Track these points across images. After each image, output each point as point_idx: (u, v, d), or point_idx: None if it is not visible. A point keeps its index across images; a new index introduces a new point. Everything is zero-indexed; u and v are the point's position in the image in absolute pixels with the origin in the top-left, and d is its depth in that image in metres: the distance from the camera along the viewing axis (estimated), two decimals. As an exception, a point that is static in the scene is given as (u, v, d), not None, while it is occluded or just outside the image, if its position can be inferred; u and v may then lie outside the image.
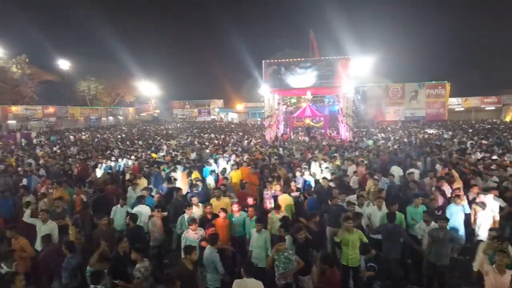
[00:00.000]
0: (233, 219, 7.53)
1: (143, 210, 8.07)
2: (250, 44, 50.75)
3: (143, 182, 10.62)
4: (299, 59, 25.70)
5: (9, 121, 37.31)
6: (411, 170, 10.95)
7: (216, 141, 23.54)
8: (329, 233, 7.65)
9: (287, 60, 25.86)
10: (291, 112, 33.52)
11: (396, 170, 11.34)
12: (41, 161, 16.14)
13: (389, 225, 6.73)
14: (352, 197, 8.60)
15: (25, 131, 33.88)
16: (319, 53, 31.96)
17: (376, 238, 7.00)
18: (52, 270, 6.11)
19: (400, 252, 6.75)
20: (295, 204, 8.68)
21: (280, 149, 17.60)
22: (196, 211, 7.94)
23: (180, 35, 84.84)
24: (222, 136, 27.49)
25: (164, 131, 37.64)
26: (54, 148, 21.82)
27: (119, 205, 8.33)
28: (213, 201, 8.43)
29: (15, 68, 41.23)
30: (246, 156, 14.86)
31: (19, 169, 13.70)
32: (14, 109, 39.26)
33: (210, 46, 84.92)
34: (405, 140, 21.00)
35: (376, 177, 10.01)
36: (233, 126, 43.42)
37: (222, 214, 7.28)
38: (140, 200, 8.44)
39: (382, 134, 25.08)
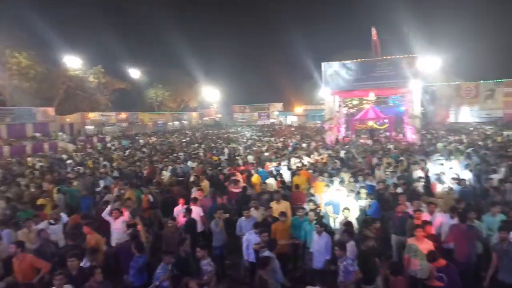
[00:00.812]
0: (295, 222, 7.48)
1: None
2: (309, 45, 50.25)
3: (206, 184, 11.00)
4: (360, 60, 24.91)
5: (87, 127, 41.03)
6: (491, 175, 10.03)
7: (275, 144, 23.62)
8: (395, 242, 7.27)
9: (348, 60, 25.19)
10: (352, 114, 32.56)
11: (466, 175, 10.47)
12: (114, 164, 17.48)
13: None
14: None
15: (101, 136, 37.00)
16: (382, 52, 30.71)
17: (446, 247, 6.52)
18: (122, 266, 6.51)
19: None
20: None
21: (342, 152, 17.15)
22: (256, 214, 8.01)
23: (241, 41, 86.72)
24: (281, 139, 27.50)
25: (225, 135, 38.65)
26: (126, 152, 23.48)
27: (180, 205, 8.73)
28: (273, 204, 8.44)
29: (92, 78, 45.18)
30: (306, 160, 14.71)
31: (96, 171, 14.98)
32: (91, 115, 43.20)
33: (270, 50, 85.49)
34: (480, 143, 19.28)
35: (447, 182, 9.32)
36: (292, 129, 43.25)
37: (282, 218, 7.26)
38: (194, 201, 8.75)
39: (454, 137, 23.28)
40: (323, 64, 24.92)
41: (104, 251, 6.94)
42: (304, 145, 22.07)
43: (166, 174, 13.54)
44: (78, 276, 5.29)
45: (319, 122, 48.37)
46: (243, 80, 71.92)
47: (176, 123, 60.70)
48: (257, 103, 71.54)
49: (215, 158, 17.52)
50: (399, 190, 9.23)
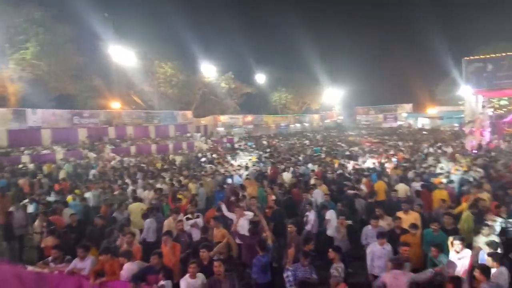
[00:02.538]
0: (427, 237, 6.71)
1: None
2: (446, 40, 44.66)
3: (323, 188, 10.79)
4: (511, 53, 21.18)
5: (218, 128, 44.96)
6: None
7: (403, 149, 21.85)
8: None
9: (495, 55, 21.72)
10: (500, 117, 27.99)
11: None
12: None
13: None
14: None
15: (229, 137, 40.08)
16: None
17: None
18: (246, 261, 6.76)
19: None
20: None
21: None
22: (382, 223, 7.47)
23: (368, 39, 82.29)
24: (410, 144, 25.28)
25: (347, 138, 37.49)
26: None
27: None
28: (401, 214, 7.74)
29: (223, 84, 49.40)
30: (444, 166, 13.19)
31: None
32: (222, 118, 47.26)
33: (399, 47, 78.63)
34: None
35: None
36: (424, 132, 39.41)
37: (412, 230, 6.60)
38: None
39: None
40: (463, 60, 22.06)
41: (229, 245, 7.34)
42: (439, 151, 19.85)
43: (287, 176, 13.77)
44: (208, 266, 5.73)
45: (456, 125, 42.91)
46: (368, 80, 68.60)
47: (298, 125, 61.61)
48: (383, 104, 67.53)
49: (336, 161, 17.10)
50: None
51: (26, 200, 10.77)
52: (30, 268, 5.89)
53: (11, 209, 9.22)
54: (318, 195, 9.96)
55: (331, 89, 65.85)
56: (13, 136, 25.88)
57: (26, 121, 27.39)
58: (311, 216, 8.47)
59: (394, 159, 16.71)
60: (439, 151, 19.73)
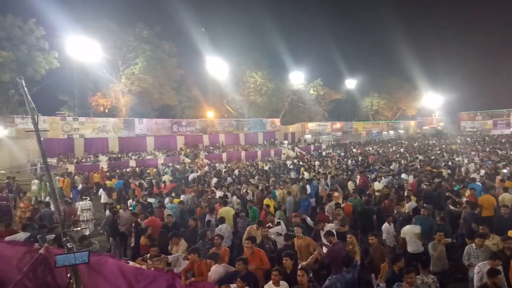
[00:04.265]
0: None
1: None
2: None
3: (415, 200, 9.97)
4: None
5: (305, 136, 44.75)
6: None
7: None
8: None
9: None
10: None
11: None
12: (328, 171, 18.20)
13: None
14: None
15: (317, 144, 39.59)
16: None
17: None
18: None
19: None
20: None
21: None
22: (488, 242, 6.56)
23: (473, 37, 74.50)
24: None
25: (450, 146, 34.05)
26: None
27: (386, 223, 8.11)
28: (512, 234, 6.72)
29: (312, 91, 49.15)
30: None
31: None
32: (310, 125, 46.99)
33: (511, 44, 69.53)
34: None
35: None
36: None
37: None
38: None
39: None
40: None
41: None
42: None
43: (378, 186, 13.03)
44: (291, 274, 5.68)
45: None
46: (475, 83, 61.61)
47: (391, 132, 58.16)
48: (492, 108, 59.96)
49: (434, 170, 15.66)
50: None
51: (131, 201, 12.00)
52: (131, 263, 6.54)
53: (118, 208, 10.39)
54: (412, 208, 9.21)
55: (430, 94, 60.83)
56: (122, 143, 29.41)
57: (134, 129, 30.86)
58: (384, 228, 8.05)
59: (505, 170, 14.67)
60: None
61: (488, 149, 25.92)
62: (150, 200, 11.85)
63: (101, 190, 15.30)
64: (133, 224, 8.98)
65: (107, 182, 17.40)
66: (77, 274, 5.27)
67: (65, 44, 28.75)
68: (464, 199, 9.71)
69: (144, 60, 32.91)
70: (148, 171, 21.85)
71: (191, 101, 41.90)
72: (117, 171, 21.06)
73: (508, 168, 15.42)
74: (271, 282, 5.42)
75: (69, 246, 4.92)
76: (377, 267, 5.72)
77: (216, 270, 6.10)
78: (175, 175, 19.36)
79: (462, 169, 16.41)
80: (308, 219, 8.28)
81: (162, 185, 15.87)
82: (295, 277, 5.33)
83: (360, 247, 8.54)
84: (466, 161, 19.54)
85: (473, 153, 22.84)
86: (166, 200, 11.57)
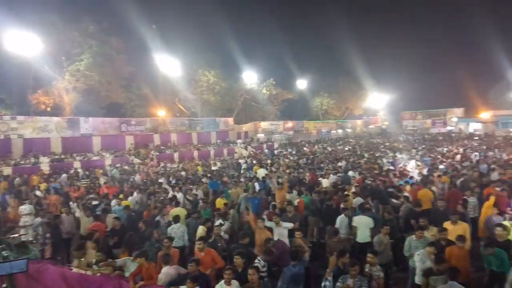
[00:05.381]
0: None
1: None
2: (499, 41, 41.47)
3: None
4: None
5: (258, 135, 45.16)
6: None
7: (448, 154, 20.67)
8: None
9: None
10: None
11: None
12: (281, 169, 18.54)
13: None
14: None
15: (270, 143, 40.12)
16: None
17: None
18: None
19: None
20: None
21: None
22: (427, 234, 7.05)
23: (415, 41, 78.91)
24: (461, 150, 23.82)
25: (393, 144, 36.02)
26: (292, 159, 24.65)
27: (343, 215, 8.45)
28: (448, 225, 7.26)
29: (264, 91, 49.69)
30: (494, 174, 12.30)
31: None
32: (263, 124, 47.51)
33: (450, 50, 74.37)
34: None
35: None
36: (476, 138, 36.99)
37: (460, 242, 6.16)
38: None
39: None
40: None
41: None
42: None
43: (326, 183, 13.49)
44: (243, 273, 5.70)
45: (513, 130, 40.03)
46: (416, 84, 65.52)
47: (340, 131, 60.42)
48: (431, 108, 64.45)
49: (375, 167, 16.56)
50: None
51: (75, 205, 11.38)
52: (75, 269, 6.21)
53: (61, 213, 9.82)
54: (359, 203, 9.65)
55: (375, 94, 63.96)
56: (66, 143, 27.75)
57: (79, 129, 29.24)
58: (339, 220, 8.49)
59: (441, 166, 15.84)
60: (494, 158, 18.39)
61: (427, 147, 27.81)
62: (95, 203, 11.33)
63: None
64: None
65: (42, 185, 16.34)
66: (13, 283, 4.91)
67: (2, 38, 26.64)
68: (405, 194, 10.34)
69: (90, 56, 31.36)
70: (94, 172, 20.91)
71: (141, 99, 40.51)
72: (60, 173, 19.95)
73: (444, 164, 16.66)
74: (222, 281, 5.42)
75: (5, 255, 4.59)
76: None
77: (167, 272, 5.99)
78: (122, 176, 18.79)
79: (403, 165, 17.45)
80: (266, 219, 8.40)
81: (104, 187, 15.17)
82: (246, 275, 5.38)
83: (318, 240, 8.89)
84: (407, 157, 20.79)
85: (413, 150, 24.34)
86: (113, 202, 11.11)
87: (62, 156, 25.59)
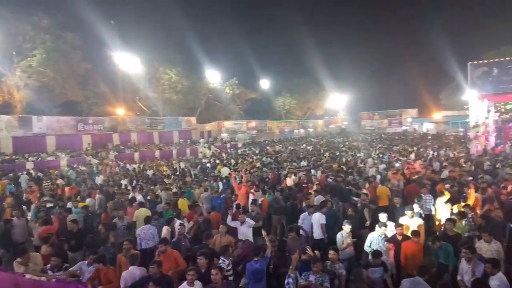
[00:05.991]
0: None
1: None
2: (451, 45, 44.19)
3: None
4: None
5: (222, 134, 44.94)
6: None
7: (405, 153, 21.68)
8: None
9: (501, 59, 21.56)
10: (506, 121, 27.70)
11: None
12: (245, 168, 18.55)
13: None
14: None
15: (233, 142, 40.05)
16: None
17: None
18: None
19: None
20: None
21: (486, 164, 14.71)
22: (384, 229, 7.34)
23: (372, 44, 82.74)
24: (415, 149, 25.04)
25: (352, 143, 37.19)
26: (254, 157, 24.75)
27: (307, 213, 8.59)
28: (404, 220, 7.63)
29: (228, 90, 49.57)
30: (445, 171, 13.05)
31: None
32: (226, 123, 47.31)
33: (404, 53, 77.99)
34: None
35: None
36: (429, 137, 39.03)
37: (414, 237, 6.48)
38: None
39: None
40: (469, 64, 21.93)
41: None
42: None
43: (289, 182, 13.67)
44: (206, 274, 5.65)
45: (462, 129, 42.65)
46: (373, 85, 68.64)
47: (302, 130, 61.51)
48: (387, 109, 67.30)
49: (335, 166, 17.00)
50: None
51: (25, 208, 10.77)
52: (28, 276, 5.85)
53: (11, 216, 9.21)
54: (320, 201, 9.87)
55: (335, 95, 65.78)
56: (18, 143, 26.11)
57: (32, 128, 27.61)
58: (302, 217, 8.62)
59: (397, 164, 16.56)
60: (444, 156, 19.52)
61: (384, 146, 28.98)
62: (50, 205, 10.78)
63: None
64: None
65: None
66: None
67: None
68: (364, 191, 10.70)
69: (43, 51, 29.72)
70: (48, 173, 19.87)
71: (99, 98, 38.93)
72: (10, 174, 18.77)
73: (400, 162, 17.44)
74: (185, 282, 5.34)
75: None
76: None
77: (132, 272, 5.81)
78: (79, 177, 18.01)
79: (362, 163, 18.07)
80: (229, 219, 8.36)
81: (67, 189, 14.48)
82: (210, 276, 5.34)
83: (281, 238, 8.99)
84: (365, 156, 21.56)
85: (371, 149, 25.27)
86: (69, 204, 10.60)
87: (13, 157, 24.07)
